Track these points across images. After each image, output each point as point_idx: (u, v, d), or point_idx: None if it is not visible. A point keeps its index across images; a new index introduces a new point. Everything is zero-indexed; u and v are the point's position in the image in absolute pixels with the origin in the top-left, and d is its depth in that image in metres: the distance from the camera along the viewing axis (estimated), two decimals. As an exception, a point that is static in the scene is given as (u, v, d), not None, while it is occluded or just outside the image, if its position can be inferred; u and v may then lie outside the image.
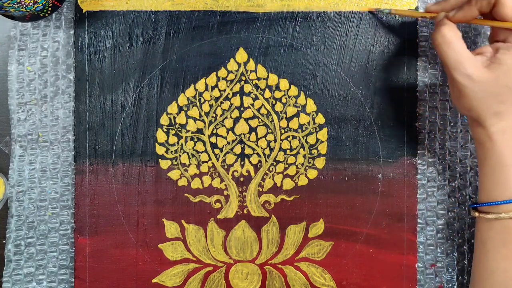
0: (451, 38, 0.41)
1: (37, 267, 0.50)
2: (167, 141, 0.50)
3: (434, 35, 0.42)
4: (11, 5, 0.43)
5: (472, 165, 0.50)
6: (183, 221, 0.50)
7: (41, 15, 0.48)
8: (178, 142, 0.50)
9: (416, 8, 0.49)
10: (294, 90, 0.50)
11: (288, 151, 0.50)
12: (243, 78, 0.50)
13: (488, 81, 0.40)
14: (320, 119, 0.50)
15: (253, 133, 0.50)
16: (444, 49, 0.41)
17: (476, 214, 0.44)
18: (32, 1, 0.45)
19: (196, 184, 0.50)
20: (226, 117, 0.50)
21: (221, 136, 0.50)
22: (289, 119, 0.50)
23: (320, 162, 0.50)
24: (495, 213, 0.42)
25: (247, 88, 0.50)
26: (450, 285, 0.50)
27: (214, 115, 0.50)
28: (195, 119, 0.50)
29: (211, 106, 0.50)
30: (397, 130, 0.49)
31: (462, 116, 0.50)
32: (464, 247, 0.50)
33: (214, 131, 0.50)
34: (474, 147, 0.50)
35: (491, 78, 0.40)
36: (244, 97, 0.50)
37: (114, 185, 0.50)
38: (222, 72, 0.50)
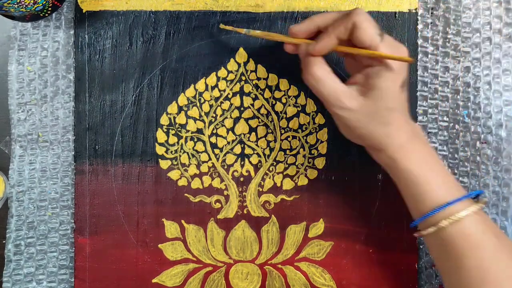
0: (321, 76, 0.40)
1: (37, 267, 0.50)
2: (167, 141, 0.50)
3: (304, 76, 0.41)
4: (11, 5, 0.43)
5: (472, 166, 0.50)
6: (183, 221, 0.50)
7: (41, 15, 0.48)
8: (178, 142, 0.50)
9: (416, 9, 0.49)
10: (294, 90, 0.50)
11: (288, 151, 0.50)
12: (243, 78, 0.50)
13: (367, 108, 0.40)
14: (320, 119, 0.50)
15: (253, 133, 0.50)
16: (318, 88, 0.41)
17: (416, 234, 0.43)
18: (32, 1, 0.45)
19: (196, 184, 0.50)
20: (226, 117, 0.50)
21: (221, 136, 0.50)
22: (289, 119, 0.50)
23: (320, 162, 0.50)
24: (428, 228, 0.40)
25: (247, 88, 0.50)
26: (450, 285, 0.50)
27: (214, 115, 0.50)
28: (195, 119, 0.50)
29: (211, 106, 0.50)
30: (397, 130, 0.49)
31: (462, 116, 0.50)
32: (464, 247, 0.50)
33: (214, 131, 0.50)
34: (474, 147, 0.50)
35: (370, 104, 0.40)
36: (244, 97, 0.50)
37: (114, 185, 0.50)
38: (222, 72, 0.50)
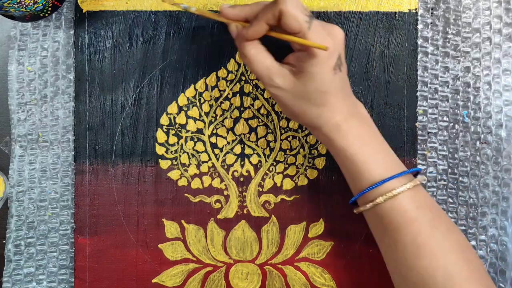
0: (254, 55, 0.41)
1: (37, 267, 0.50)
2: (167, 141, 0.50)
3: (240, 55, 0.42)
4: (11, 5, 0.43)
5: (471, 166, 0.50)
6: (183, 221, 0.50)
7: (41, 15, 0.48)
8: (178, 142, 0.50)
9: (416, 9, 0.49)
10: (294, 90, 0.50)
11: (288, 151, 0.50)
12: (243, 78, 0.50)
13: (299, 89, 0.41)
14: (320, 119, 0.50)
15: (253, 133, 0.50)
16: (252, 67, 0.41)
17: (355, 210, 0.44)
18: (32, 1, 0.45)
19: (196, 184, 0.50)
20: (226, 117, 0.50)
21: (221, 136, 0.50)
22: (289, 119, 0.50)
23: (320, 162, 0.50)
24: (366, 204, 0.42)
25: (247, 88, 0.50)
26: (450, 285, 0.50)
27: (214, 115, 0.50)
28: (195, 119, 0.50)
29: (211, 106, 0.50)
30: (397, 130, 0.49)
31: (462, 116, 0.50)
32: (464, 247, 0.50)
33: (214, 131, 0.50)
34: (473, 147, 0.50)
35: (300, 85, 0.40)
36: (244, 97, 0.50)
37: (114, 185, 0.50)
38: (222, 72, 0.50)
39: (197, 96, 0.50)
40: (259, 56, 0.41)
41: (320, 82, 0.40)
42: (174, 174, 0.50)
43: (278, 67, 0.41)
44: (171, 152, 0.50)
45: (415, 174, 0.43)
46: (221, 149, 0.50)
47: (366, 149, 0.42)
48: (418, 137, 0.50)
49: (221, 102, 0.50)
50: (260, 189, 0.50)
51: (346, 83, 0.43)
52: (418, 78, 0.50)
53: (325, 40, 0.39)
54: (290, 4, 0.39)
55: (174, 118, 0.50)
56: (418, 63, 0.50)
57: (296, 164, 0.50)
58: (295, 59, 0.41)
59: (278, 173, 0.50)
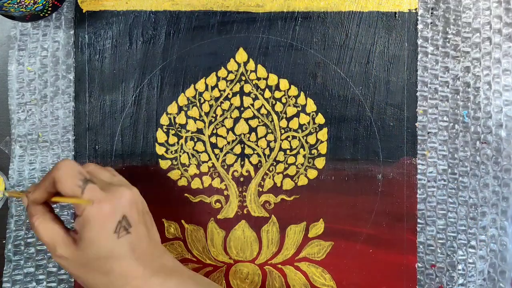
0: (38, 225, 0.40)
1: (37, 267, 0.50)
2: (167, 141, 0.50)
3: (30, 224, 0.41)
4: (11, 5, 0.43)
5: (472, 166, 0.50)
6: (183, 221, 0.50)
7: (41, 15, 0.48)
8: (178, 142, 0.50)
9: (416, 9, 0.49)
10: (294, 90, 0.50)
11: (288, 151, 0.50)
12: (243, 78, 0.50)
13: (80, 258, 0.39)
14: (320, 119, 0.50)
15: (253, 133, 0.50)
16: (38, 236, 0.40)
17: None
18: (32, 1, 0.45)
19: (196, 184, 0.50)
20: (226, 117, 0.50)
21: (221, 136, 0.50)
22: (289, 119, 0.50)
23: (320, 162, 0.50)
24: None
25: (247, 88, 0.50)
26: (450, 285, 0.50)
27: (214, 115, 0.50)
28: (195, 119, 0.50)
29: (211, 106, 0.50)
30: (397, 130, 0.49)
31: (462, 116, 0.50)
32: (465, 247, 0.50)
33: (214, 131, 0.50)
34: (473, 147, 0.50)
35: (81, 254, 0.39)
36: (244, 97, 0.50)
37: (114, 185, 0.50)
38: (222, 72, 0.50)
39: (197, 96, 0.50)
40: (45, 226, 0.40)
41: (98, 248, 0.38)
42: (174, 174, 0.50)
43: (63, 235, 0.39)
44: (171, 152, 0.50)
45: None
46: (221, 149, 0.50)
47: None
48: (418, 137, 0.50)
49: (221, 102, 0.50)
50: (260, 189, 0.50)
51: (143, 241, 0.40)
52: (418, 78, 0.50)
53: (101, 202, 0.38)
54: (62, 171, 0.39)
55: (174, 118, 0.50)
56: (418, 63, 0.50)
57: (296, 164, 0.50)
58: (76, 225, 0.40)
59: (278, 173, 0.50)
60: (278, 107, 0.50)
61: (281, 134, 0.50)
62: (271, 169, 0.50)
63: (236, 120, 0.50)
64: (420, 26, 0.50)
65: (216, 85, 0.50)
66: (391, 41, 0.49)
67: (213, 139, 0.50)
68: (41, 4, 0.46)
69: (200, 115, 0.50)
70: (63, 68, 0.50)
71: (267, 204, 0.50)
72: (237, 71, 0.50)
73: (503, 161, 0.49)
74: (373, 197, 0.49)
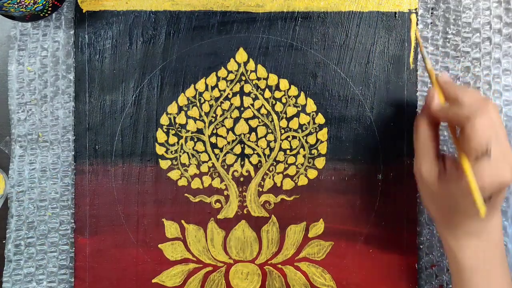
0: (425, 138, 0.41)
1: (37, 267, 0.50)
2: (167, 141, 0.50)
3: (416, 119, 0.42)
4: (11, 5, 0.43)
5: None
6: (183, 221, 0.50)
7: (41, 15, 0.48)
8: (178, 142, 0.50)
9: (416, 9, 0.49)
10: (294, 90, 0.50)
11: (288, 151, 0.50)
12: (243, 78, 0.50)
13: (439, 193, 0.40)
14: (320, 119, 0.50)
15: (253, 133, 0.50)
16: (414, 142, 0.42)
17: None
18: (32, 1, 0.45)
19: (196, 184, 0.50)
20: (226, 117, 0.50)
21: (221, 136, 0.50)
22: (289, 119, 0.50)
23: (320, 162, 0.50)
24: None
25: (247, 88, 0.50)
26: (450, 285, 0.50)
27: (214, 115, 0.50)
28: (195, 119, 0.50)
29: (211, 106, 0.50)
30: (397, 130, 0.49)
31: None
32: (464, 247, 0.50)
33: (214, 131, 0.50)
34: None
35: (442, 191, 0.40)
36: (244, 97, 0.50)
37: (114, 185, 0.50)
38: (222, 72, 0.50)
39: (197, 96, 0.50)
40: (427, 140, 0.41)
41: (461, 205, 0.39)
42: (174, 174, 0.50)
43: (432, 161, 0.41)
44: (171, 152, 0.50)
45: None
46: (221, 149, 0.50)
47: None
48: (418, 137, 0.50)
49: (221, 102, 0.50)
50: (260, 189, 0.50)
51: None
52: (418, 78, 0.50)
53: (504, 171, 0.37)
54: (481, 122, 0.37)
55: (174, 118, 0.50)
56: (418, 63, 0.50)
57: (296, 164, 0.50)
58: (445, 161, 0.41)
59: (278, 173, 0.50)
60: (278, 107, 0.50)
61: (281, 134, 0.50)
62: (271, 169, 0.50)
63: (236, 120, 0.50)
64: (420, 26, 0.50)
65: (216, 85, 0.50)
66: (391, 41, 0.49)
67: (213, 139, 0.50)
68: (41, 4, 0.46)
69: (200, 115, 0.50)
70: (63, 68, 0.50)
71: (267, 204, 0.50)
72: (237, 71, 0.50)
73: (503, 161, 0.49)
74: (373, 197, 0.49)
